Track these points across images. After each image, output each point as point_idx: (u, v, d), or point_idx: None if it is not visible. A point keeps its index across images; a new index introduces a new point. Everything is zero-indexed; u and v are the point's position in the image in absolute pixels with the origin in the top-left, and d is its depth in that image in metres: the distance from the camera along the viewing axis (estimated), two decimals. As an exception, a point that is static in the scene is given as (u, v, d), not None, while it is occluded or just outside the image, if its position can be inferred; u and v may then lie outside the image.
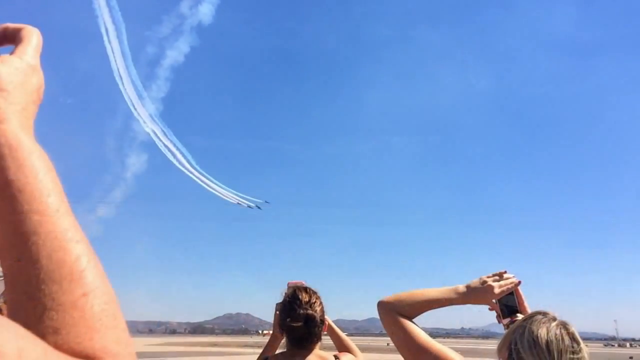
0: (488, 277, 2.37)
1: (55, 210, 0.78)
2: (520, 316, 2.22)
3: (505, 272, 2.38)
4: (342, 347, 3.54)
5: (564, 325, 1.94)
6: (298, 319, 3.01)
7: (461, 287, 2.37)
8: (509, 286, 2.34)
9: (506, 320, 2.29)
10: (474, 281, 2.38)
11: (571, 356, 1.86)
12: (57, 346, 0.70)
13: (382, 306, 2.38)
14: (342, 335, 3.58)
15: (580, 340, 1.91)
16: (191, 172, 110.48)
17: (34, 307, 0.71)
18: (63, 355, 0.69)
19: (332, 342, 3.62)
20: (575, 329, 1.94)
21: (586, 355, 1.91)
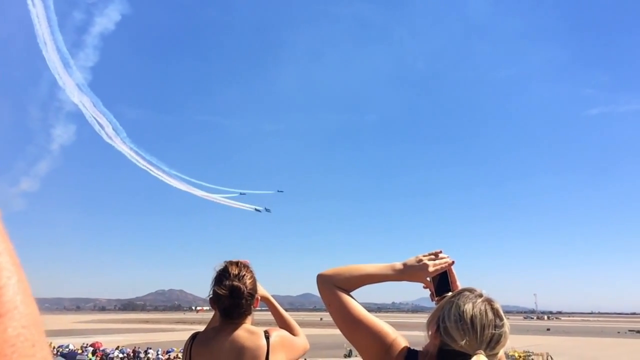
0: (424, 255, 2.47)
1: None
2: None
3: (441, 251, 2.49)
4: (283, 324, 3.56)
5: (489, 301, 2.07)
6: (224, 289, 3.11)
7: (398, 265, 2.46)
8: (443, 265, 2.44)
9: (439, 298, 2.39)
10: (411, 259, 2.47)
11: (493, 331, 1.99)
12: None
13: (321, 279, 2.46)
14: (283, 312, 3.61)
15: (504, 316, 2.05)
16: (120, 146, 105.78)
17: None
18: None
19: (273, 319, 3.64)
20: (499, 305, 2.08)
21: (507, 330, 2.05)
